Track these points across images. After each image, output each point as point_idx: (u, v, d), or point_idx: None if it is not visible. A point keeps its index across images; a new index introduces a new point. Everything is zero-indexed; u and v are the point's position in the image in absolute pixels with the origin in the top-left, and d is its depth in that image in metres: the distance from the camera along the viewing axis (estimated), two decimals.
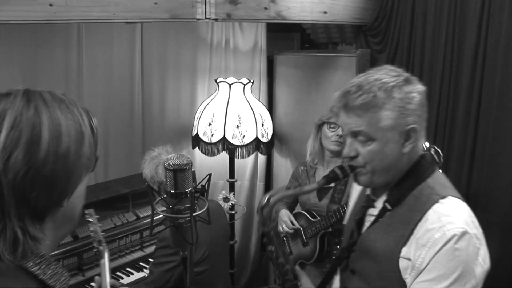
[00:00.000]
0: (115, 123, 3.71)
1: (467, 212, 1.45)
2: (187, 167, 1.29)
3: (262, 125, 3.71)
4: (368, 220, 1.63)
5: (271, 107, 4.22)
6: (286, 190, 1.68)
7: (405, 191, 1.52)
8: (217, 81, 3.77)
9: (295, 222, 3.01)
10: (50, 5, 2.41)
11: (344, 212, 2.72)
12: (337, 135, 2.86)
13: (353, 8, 3.24)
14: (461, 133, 2.61)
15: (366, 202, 1.67)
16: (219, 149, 3.59)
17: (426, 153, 1.59)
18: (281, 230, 3.05)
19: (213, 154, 3.61)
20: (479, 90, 2.50)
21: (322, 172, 3.00)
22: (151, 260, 3.00)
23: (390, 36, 3.17)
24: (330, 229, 2.86)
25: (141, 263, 3.17)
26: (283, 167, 4.15)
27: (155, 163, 2.67)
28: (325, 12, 3.12)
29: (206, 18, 2.79)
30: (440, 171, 1.60)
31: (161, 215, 1.40)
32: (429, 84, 2.78)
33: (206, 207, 1.31)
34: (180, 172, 1.27)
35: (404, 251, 1.44)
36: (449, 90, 2.69)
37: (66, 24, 3.28)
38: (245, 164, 4.33)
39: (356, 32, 3.48)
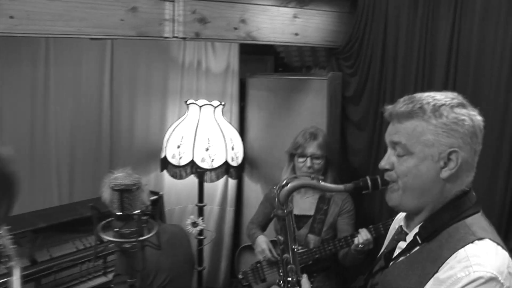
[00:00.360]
0: (82, 144, 3.61)
1: (504, 260, 1.30)
2: (133, 188, 1.18)
3: (232, 148, 3.64)
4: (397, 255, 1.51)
5: (242, 131, 4.19)
6: (299, 179, 1.50)
7: (439, 226, 1.40)
8: (187, 103, 3.71)
9: (273, 250, 2.94)
10: (11, 17, 2.32)
11: (330, 249, 2.70)
12: (307, 166, 2.84)
13: (325, 31, 3.24)
14: None
15: (397, 235, 1.56)
16: (187, 172, 3.51)
17: (471, 191, 1.46)
18: (260, 258, 2.99)
19: (181, 178, 3.53)
20: None
21: (299, 199, 2.98)
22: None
23: (362, 60, 3.15)
24: (310, 262, 2.80)
25: None
26: (254, 191, 4.09)
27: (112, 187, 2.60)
28: (297, 34, 3.12)
29: (174, 37, 2.74)
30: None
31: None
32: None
33: (155, 231, 1.20)
34: (127, 193, 1.17)
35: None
36: None
37: (33, 39, 3.22)
38: (215, 189, 4.24)
39: (329, 54, 3.48)
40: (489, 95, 2.35)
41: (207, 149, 3.49)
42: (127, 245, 1.18)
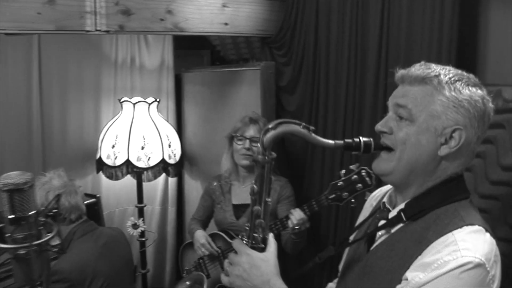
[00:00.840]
0: (10, 146, 3.47)
1: (492, 247, 1.26)
2: (25, 187, 1.07)
3: (169, 146, 3.58)
4: (378, 235, 1.45)
5: (180, 127, 4.14)
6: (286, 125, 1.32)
7: (428, 206, 1.35)
8: (121, 100, 3.61)
9: (212, 244, 2.90)
10: None
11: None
12: (245, 148, 2.81)
13: (256, 20, 3.19)
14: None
15: (379, 213, 1.49)
16: (123, 172, 3.41)
17: (463, 177, 1.40)
18: (199, 253, 2.94)
19: (117, 178, 3.43)
20: (383, 94, 2.51)
21: (237, 188, 2.96)
22: None
23: (295, 48, 3.13)
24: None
25: None
26: (195, 189, 4.05)
27: (45, 189, 2.53)
28: (226, 24, 3.07)
29: (96, 30, 2.64)
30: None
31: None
32: (335, 93, 2.83)
33: (53, 234, 1.09)
34: (18, 193, 1.06)
35: (405, 275, 1.26)
36: (354, 98, 2.71)
37: None
38: (155, 188, 4.18)
39: (262, 45, 3.46)
40: None
41: (142, 148, 3.40)
42: (22, 251, 1.06)
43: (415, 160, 1.34)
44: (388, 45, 2.50)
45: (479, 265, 1.18)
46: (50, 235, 1.09)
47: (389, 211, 1.43)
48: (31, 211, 1.07)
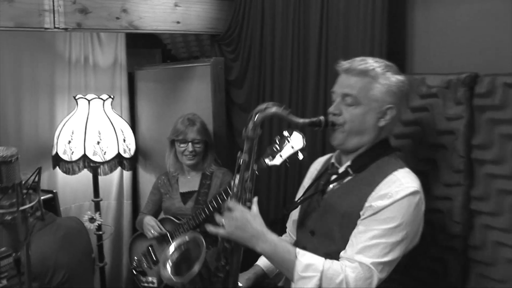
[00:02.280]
0: None
1: (418, 181, 1.75)
2: (12, 159, 1.22)
3: (124, 140, 3.68)
4: (330, 188, 1.88)
5: (133, 123, 4.21)
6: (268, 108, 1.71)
7: (368, 160, 1.80)
8: (76, 97, 3.67)
9: (161, 226, 3.02)
10: None
11: (209, 209, 2.77)
12: (188, 150, 2.98)
13: (206, 18, 3.32)
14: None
15: (330, 170, 1.92)
16: (80, 167, 3.48)
17: (389, 131, 1.86)
18: (149, 235, 3.04)
19: (74, 173, 3.50)
20: (324, 85, 2.65)
21: (184, 179, 3.12)
22: None
23: (242, 45, 3.26)
24: (198, 230, 2.86)
25: None
26: (149, 182, 4.03)
27: None
28: (178, 22, 3.19)
29: (55, 28, 2.73)
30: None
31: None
32: (280, 85, 2.97)
33: (36, 201, 1.24)
34: (5, 165, 1.21)
35: (366, 203, 1.71)
36: (298, 90, 2.84)
37: None
38: (111, 183, 4.25)
39: (211, 42, 3.56)
40: None
41: (98, 142, 3.49)
42: (8, 217, 1.21)
43: (362, 131, 1.79)
44: (328, 42, 2.64)
45: (417, 192, 1.69)
46: (33, 203, 1.24)
47: (337, 168, 1.86)
48: (16, 182, 1.22)
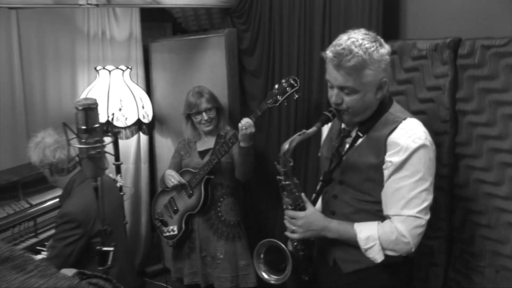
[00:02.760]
0: None
1: (423, 128, 1.99)
2: (95, 106, 1.56)
3: (143, 107, 3.97)
4: (346, 147, 2.14)
5: (149, 92, 4.46)
6: (293, 140, 2.07)
7: (373, 121, 2.04)
8: (97, 68, 3.94)
9: (179, 177, 3.34)
10: None
11: (221, 154, 3.13)
12: (204, 119, 3.29)
13: None
14: (317, 92, 3.02)
15: (344, 133, 2.17)
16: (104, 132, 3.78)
17: (388, 93, 2.10)
18: (170, 184, 3.34)
19: None
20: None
21: (200, 144, 3.43)
22: (46, 243, 3.11)
23: (252, 16, 3.50)
24: (213, 176, 3.22)
25: (37, 247, 3.21)
26: (165, 146, 4.42)
27: (41, 147, 2.85)
28: None
29: (87, 4, 2.99)
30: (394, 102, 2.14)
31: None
32: (288, 53, 3.22)
33: (112, 140, 1.58)
34: (91, 110, 1.55)
35: (386, 158, 1.97)
36: (304, 57, 3.08)
37: None
38: (129, 148, 4.52)
39: (223, 15, 3.79)
40: None
41: (120, 109, 3.78)
42: (93, 152, 1.55)
43: (365, 109, 2.03)
44: (331, 12, 2.86)
45: (425, 144, 1.93)
46: (109, 140, 1.58)
47: (350, 131, 2.15)
48: (97, 124, 1.56)
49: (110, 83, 3.85)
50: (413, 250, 1.99)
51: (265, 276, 2.28)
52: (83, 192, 2.80)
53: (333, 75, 1.99)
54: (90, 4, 2.99)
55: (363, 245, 2.02)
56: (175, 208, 3.40)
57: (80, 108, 1.55)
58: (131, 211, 4.56)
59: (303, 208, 2.17)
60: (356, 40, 1.91)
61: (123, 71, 3.95)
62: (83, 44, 4.30)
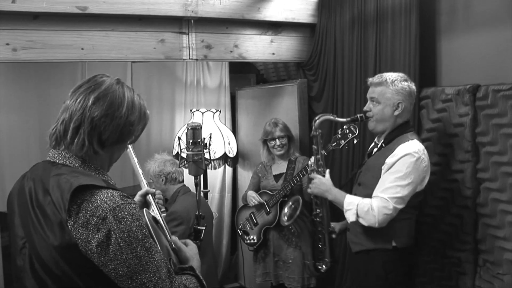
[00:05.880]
0: None
1: (421, 148, 2.60)
2: (199, 127, 2.28)
3: (229, 143, 4.63)
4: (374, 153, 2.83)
5: (235, 131, 5.06)
6: (324, 115, 2.97)
7: (392, 137, 2.70)
8: (192, 110, 4.67)
9: (259, 197, 3.93)
10: (82, 48, 3.35)
11: (294, 183, 3.67)
12: (277, 144, 3.90)
13: (293, 50, 4.14)
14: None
15: (374, 146, 2.88)
16: None
17: (409, 121, 2.75)
18: (251, 204, 3.95)
19: None
20: None
21: (275, 165, 4.04)
22: None
23: (320, 69, 4.03)
24: (286, 199, 3.79)
25: None
26: (246, 178, 4.90)
27: (162, 161, 3.63)
28: (273, 53, 4.04)
29: (190, 59, 3.67)
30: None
31: None
32: (348, 97, 3.73)
33: (206, 150, 2.27)
34: (196, 129, 2.27)
35: (385, 162, 2.62)
36: (360, 100, 3.56)
37: (71, 66, 4.23)
38: (216, 180, 5.13)
39: (297, 68, 4.38)
40: None
41: (210, 144, 4.43)
42: (196, 157, 2.26)
43: (384, 120, 2.72)
44: (380, 64, 3.38)
45: (413, 153, 2.55)
46: (205, 152, 2.27)
47: (377, 144, 2.80)
48: (200, 139, 2.27)
49: (203, 123, 4.53)
50: (377, 225, 2.58)
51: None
52: (186, 200, 3.51)
53: (369, 90, 2.77)
54: (192, 59, 3.67)
55: (345, 206, 2.70)
56: (255, 222, 4.00)
57: (190, 128, 2.27)
58: (214, 234, 5.01)
59: (322, 174, 2.91)
60: (390, 74, 2.71)
61: (214, 113, 4.64)
62: (181, 91, 5.03)
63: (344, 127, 2.98)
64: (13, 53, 3.16)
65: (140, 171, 2.12)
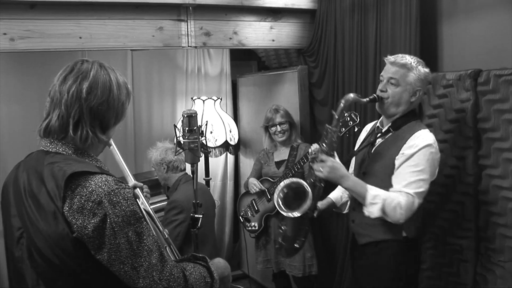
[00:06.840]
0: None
1: (434, 139, 2.49)
2: (194, 114, 2.26)
3: (230, 131, 4.63)
4: (377, 141, 2.67)
5: (236, 118, 5.07)
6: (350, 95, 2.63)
7: (402, 123, 2.58)
8: (193, 98, 4.66)
9: (260, 184, 3.96)
10: (80, 37, 3.34)
11: (295, 170, 3.67)
12: (278, 131, 3.89)
13: (293, 37, 4.14)
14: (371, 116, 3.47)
15: (377, 130, 2.72)
16: None
17: (416, 110, 2.68)
18: (253, 190, 3.97)
19: None
20: (378, 79, 3.14)
21: (276, 152, 4.04)
22: None
23: (321, 56, 4.05)
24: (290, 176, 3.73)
25: None
26: (248, 165, 4.94)
27: (164, 149, 3.62)
28: (273, 40, 4.03)
29: (189, 46, 3.66)
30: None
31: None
32: (348, 85, 3.73)
33: (201, 140, 2.26)
34: (192, 117, 2.25)
35: (400, 151, 2.48)
36: (360, 88, 3.58)
37: (71, 55, 4.10)
38: (217, 167, 5.15)
39: (298, 54, 4.39)
40: None
41: (211, 132, 4.47)
42: (192, 145, 2.24)
43: (399, 104, 2.56)
44: (380, 49, 3.36)
45: (431, 144, 2.44)
46: (202, 138, 2.26)
47: (381, 129, 2.67)
48: (196, 127, 2.25)
49: (204, 111, 4.55)
50: (400, 222, 2.45)
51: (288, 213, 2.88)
52: (186, 188, 3.50)
53: (387, 69, 2.57)
54: (191, 46, 3.65)
55: (370, 199, 2.45)
56: (256, 209, 4.01)
57: (185, 115, 2.25)
58: (217, 222, 5.01)
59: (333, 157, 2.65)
60: (410, 56, 2.57)
61: (215, 100, 4.64)
62: (182, 79, 5.03)
63: (346, 114, 2.86)
64: (10, 43, 3.15)
65: (125, 166, 2.16)
